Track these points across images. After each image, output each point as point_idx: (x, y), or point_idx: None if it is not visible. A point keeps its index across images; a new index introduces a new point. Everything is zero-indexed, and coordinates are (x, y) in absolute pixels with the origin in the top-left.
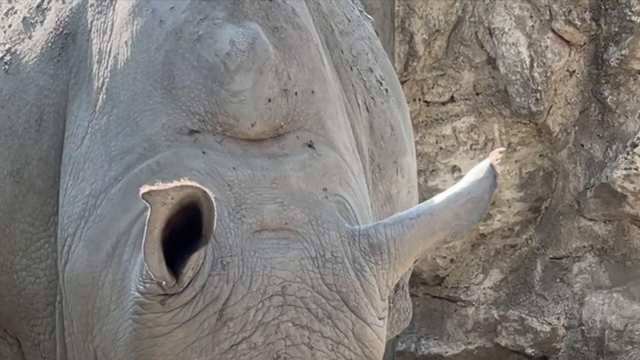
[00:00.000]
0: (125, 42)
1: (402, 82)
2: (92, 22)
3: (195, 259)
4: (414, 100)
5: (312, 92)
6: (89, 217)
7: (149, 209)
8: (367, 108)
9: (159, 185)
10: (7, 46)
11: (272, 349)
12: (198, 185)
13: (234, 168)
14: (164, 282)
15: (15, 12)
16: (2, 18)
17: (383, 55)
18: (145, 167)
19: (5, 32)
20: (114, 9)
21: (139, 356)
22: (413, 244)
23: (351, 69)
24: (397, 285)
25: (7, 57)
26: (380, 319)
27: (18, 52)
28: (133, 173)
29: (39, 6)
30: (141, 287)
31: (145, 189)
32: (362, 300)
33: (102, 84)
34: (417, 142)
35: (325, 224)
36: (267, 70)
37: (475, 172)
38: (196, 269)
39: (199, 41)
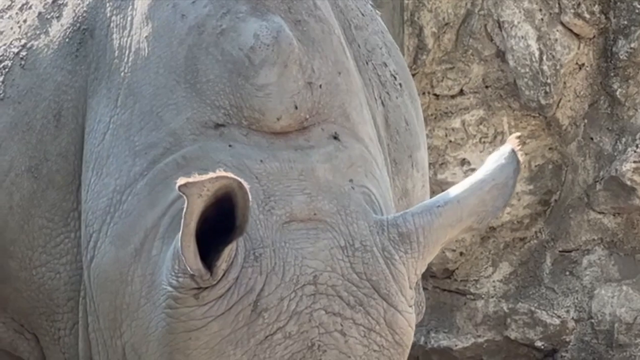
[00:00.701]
0: (146, 37)
1: (412, 76)
2: (110, 17)
3: (228, 251)
4: (424, 93)
5: (336, 84)
6: (115, 213)
7: (185, 201)
8: (382, 103)
9: (195, 177)
10: (23, 41)
11: (306, 337)
12: (233, 176)
13: (261, 161)
14: (198, 276)
15: (30, 7)
16: (17, 13)
17: (396, 50)
18: (171, 162)
19: (20, 27)
20: (133, 4)
21: (173, 351)
22: (441, 231)
23: (366, 63)
24: None
25: (23, 53)
26: (410, 306)
27: (34, 48)
28: (158, 168)
29: (54, 1)
30: (174, 281)
31: (181, 180)
32: (392, 288)
33: (123, 79)
34: (426, 135)
35: (354, 213)
36: (291, 64)
37: (496, 158)
38: (229, 261)
39: (222, 35)
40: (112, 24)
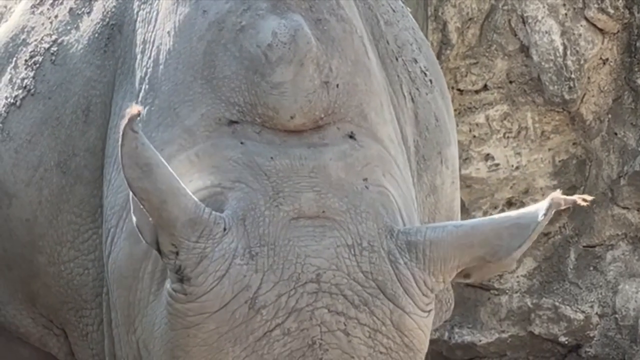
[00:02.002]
0: (168, 32)
1: None
2: (137, 12)
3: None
4: (447, 88)
5: (355, 84)
6: (133, 214)
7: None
8: (412, 99)
9: None
10: (54, 37)
11: (307, 335)
12: None
13: (271, 158)
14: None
15: (62, 3)
16: (48, 9)
17: (427, 46)
18: (185, 159)
19: (51, 22)
20: None
21: (174, 347)
22: (449, 251)
23: (396, 59)
24: None
25: (54, 48)
26: (423, 311)
27: (65, 43)
28: (173, 165)
29: None
30: (171, 277)
31: None
32: (399, 289)
33: (145, 74)
34: None
35: (364, 213)
36: (308, 63)
37: (538, 204)
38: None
39: (241, 32)
40: (138, 19)
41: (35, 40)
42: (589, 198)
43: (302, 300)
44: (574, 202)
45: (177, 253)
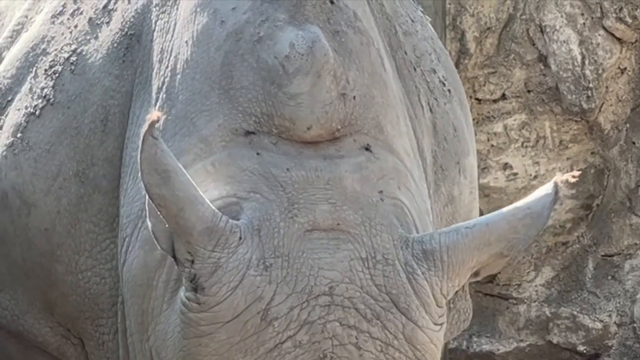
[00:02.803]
0: (186, 42)
1: None
2: (156, 22)
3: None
4: (466, 98)
5: (371, 96)
6: (148, 221)
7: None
8: (430, 109)
9: None
10: (73, 47)
11: (318, 347)
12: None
13: (287, 169)
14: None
15: (81, 13)
16: (68, 18)
17: (445, 56)
18: (201, 168)
19: (71, 32)
20: (177, 9)
21: (186, 356)
22: (467, 253)
23: (415, 69)
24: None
25: (73, 58)
26: (435, 324)
27: (84, 53)
28: (189, 174)
29: (105, 7)
30: (185, 285)
31: None
32: (413, 303)
33: (163, 83)
34: None
35: (379, 226)
36: (325, 74)
37: (540, 190)
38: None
39: (259, 42)
40: (157, 28)
41: (55, 50)
42: (577, 173)
43: (315, 312)
44: (573, 177)
45: (192, 261)
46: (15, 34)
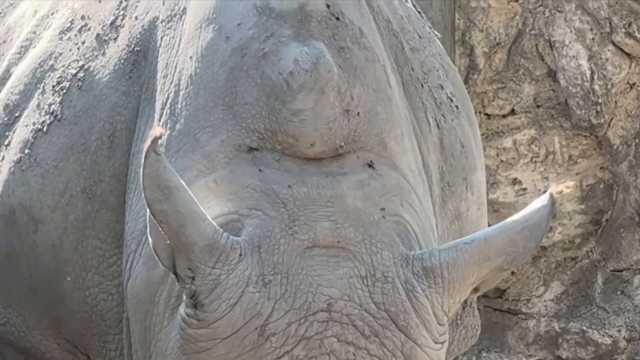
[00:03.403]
0: (191, 57)
1: None
2: (162, 37)
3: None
4: (475, 113)
5: (376, 113)
6: (150, 237)
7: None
8: (437, 125)
9: None
10: (81, 63)
11: None
12: None
13: (289, 186)
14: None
15: (89, 29)
16: (76, 35)
17: (454, 72)
18: (203, 185)
19: (78, 48)
20: (182, 24)
21: None
22: (467, 269)
23: (422, 86)
24: (465, 302)
25: (81, 74)
26: (436, 342)
27: (91, 69)
28: (192, 190)
29: (112, 23)
30: (185, 301)
31: None
32: (412, 321)
33: (167, 99)
34: None
35: (379, 243)
36: (329, 90)
37: (536, 202)
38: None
39: (263, 58)
40: (162, 44)
41: (63, 66)
42: (571, 184)
43: (312, 328)
44: (567, 187)
45: (193, 278)
46: (24, 50)
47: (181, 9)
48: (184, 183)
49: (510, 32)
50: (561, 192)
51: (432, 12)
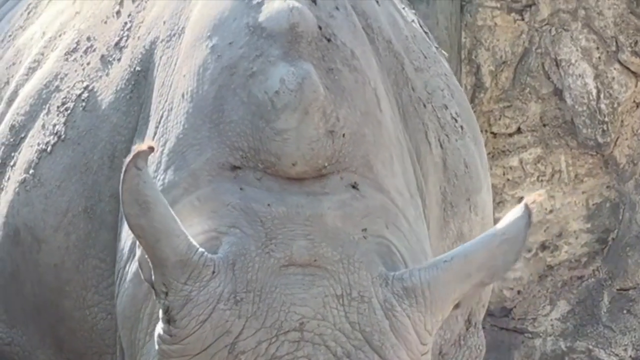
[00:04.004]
0: (184, 76)
1: None
2: (161, 57)
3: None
4: (481, 131)
5: (362, 135)
6: (137, 251)
7: None
8: (440, 145)
9: None
10: (85, 84)
11: None
12: None
13: (268, 204)
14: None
15: (94, 50)
16: (81, 55)
17: (459, 92)
18: (187, 203)
19: (83, 69)
20: (180, 43)
21: None
22: (449, 286)
23: (424, 106)
24: (469, 322)
25: (85, 95)
26: None
27: (95, 90)
28: (177, 209)
29: (117, 44)
30: (160, 317)
31: None
32: (387, 341)
33: (161, 117)
34: None
35: (357, 263)
36: (313, 111)
37: (511, 214)
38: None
39: (251, 77)
40: (161, 63)
41: (68, 86)
42: (542, 192)
43: (283, 348)
44: (539, 195)
45: (166, 293)
46: (31, 71)
47: (180, 28)
48: (163, 198)
49: (517, 51)
50: (534, 201)
51: (438, 30)
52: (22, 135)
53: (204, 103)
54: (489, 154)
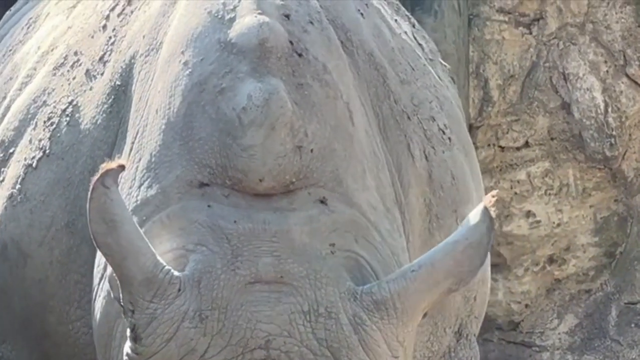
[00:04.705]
0: (159, 91)
1: (477, 128)
2: (139, 71)
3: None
4: (489, 145)
5: (332, 149)
6: (108, 269)
7: None
8: (425, 157)
9: None
10: (70, 98)
11: None
12: None
13: (235, 221)
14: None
15: (80, 65)
16: (68, 70)
17: (450, 104)
18: (158, 220)
19: (69, 84)
20: (157, 58)
21: None
22: (418, 296)
23: (408, 118)
24: (460, 334)
25: (69, 109)
26: None
27: (79, 104)
28: (147, 226)
29: (101, 58)
30: (128, 335)
31: None
32: (355, 356)
33: (137, 132)
34: (491, 187)
35: (324, 279)
36: (280, 127)
37: (471, 218)
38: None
39: (220, 94)
40: (139, 78)
41: (54, 101)
42: (495, 192)
43: None
44: (493, 196)
45: (133, 311)
46: (23, 87)
47: (158, 43)
48: (130, 217)
49: (524, 65)
50: (491, 203)
51: (446, 44)
52: (11, 151)
53: (175, 120)
54: (496, 167)
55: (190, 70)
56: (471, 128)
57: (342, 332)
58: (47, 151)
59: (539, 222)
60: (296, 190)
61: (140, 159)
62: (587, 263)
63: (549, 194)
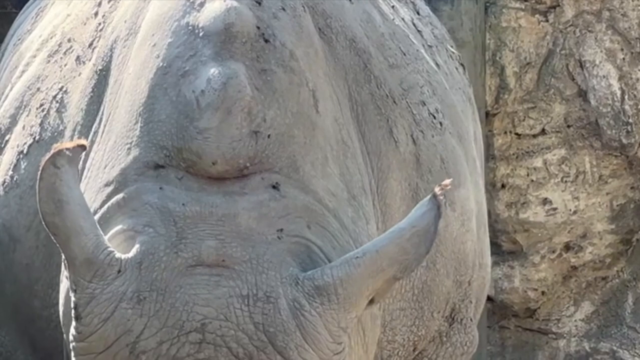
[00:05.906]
0: (130, 74)
1: (493, 115)
2: (118, 55)
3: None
4: (505, 132)
5: (291, 136)
6: None
7: None
8: (413, 141)
9: None
10: (61, 85)
11: None
12: None
13: (183, 204)
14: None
15: (72, 51)
16: (61, 57)
17: (444, 90)
18: (115, 201)
19: (61, 70)
20: (134, 43)
21: None
22: (362, 282)
23: (394, 102)
24: (453, 319)
25: (59, 96)
26: None
27: (67, 90)
28: (106, 207)
29: (90, 44)
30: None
31: None
32: (292, 342)
33: (109, 115)
34: (508, 175)
35: (266, 263)
36: (237, 111)
37: (419, 205)
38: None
39: (183, 77)
40: (117, 62)
41: (47, 88)
42: (448, 181)
43: (184, 349)
44: (446, 185)
45: (75, 291)
46: (22, 74)
47: (137, 27)
48: (80, 197)
49: (541, 52)
50: (442, 191)
51: (462, 32)
52: (7, 138)
53: (139, 102)
54: (513, 154)
55: (157, 52)
56: (487, 115)
57: (279, 316)
58: (37, 137)
59: (555, 209)
60: (250, 175)
61: (108, 142)
62: (604, 250)
63: (566, 182)
